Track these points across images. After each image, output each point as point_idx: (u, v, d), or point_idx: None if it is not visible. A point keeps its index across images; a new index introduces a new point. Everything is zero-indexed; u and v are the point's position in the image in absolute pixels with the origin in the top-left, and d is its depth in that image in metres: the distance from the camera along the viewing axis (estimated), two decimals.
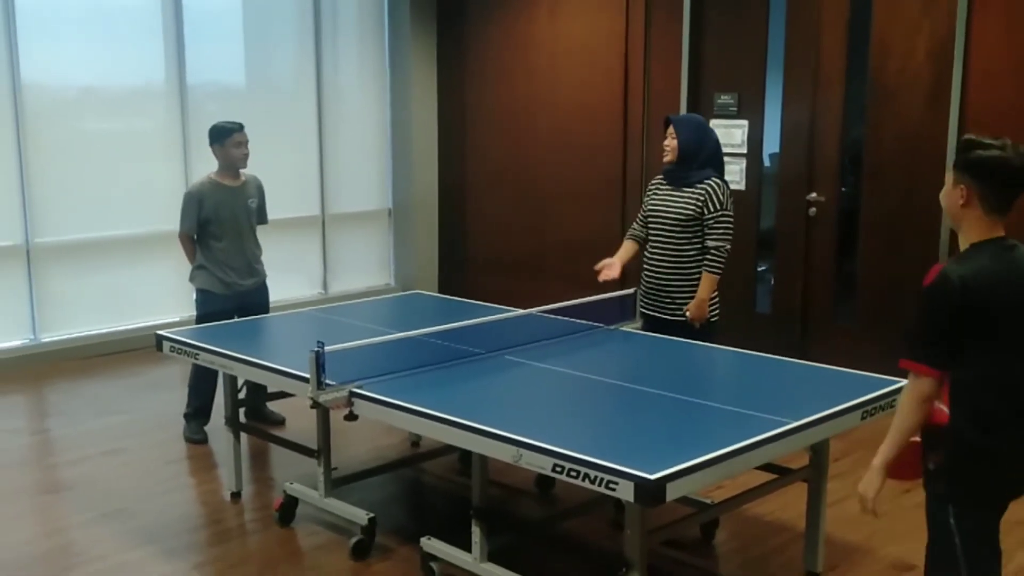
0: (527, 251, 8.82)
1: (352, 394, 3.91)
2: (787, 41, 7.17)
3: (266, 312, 5.83)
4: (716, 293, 4.94)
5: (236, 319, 5.57)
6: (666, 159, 4.98)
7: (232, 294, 5.71)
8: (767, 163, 7.65)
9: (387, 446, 5.70)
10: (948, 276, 2.80)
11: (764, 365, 4.49)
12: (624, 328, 5.01)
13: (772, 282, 7.51)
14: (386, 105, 9.37)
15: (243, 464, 5.12)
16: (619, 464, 3.09)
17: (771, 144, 7.47)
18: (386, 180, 9.48)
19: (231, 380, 4.90)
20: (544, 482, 5.05)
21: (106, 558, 4.35)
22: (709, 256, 4.84)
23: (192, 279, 5.78)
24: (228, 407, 4.98)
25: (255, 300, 5.81)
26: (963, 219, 2.91)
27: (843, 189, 7.10)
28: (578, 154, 8.35)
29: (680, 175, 4.94)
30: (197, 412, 5.80)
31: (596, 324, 5.01)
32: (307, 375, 3.94)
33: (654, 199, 5.03)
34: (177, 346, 4.85)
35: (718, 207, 4.85)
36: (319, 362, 3.89)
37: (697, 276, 4.89)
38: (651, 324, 5.01)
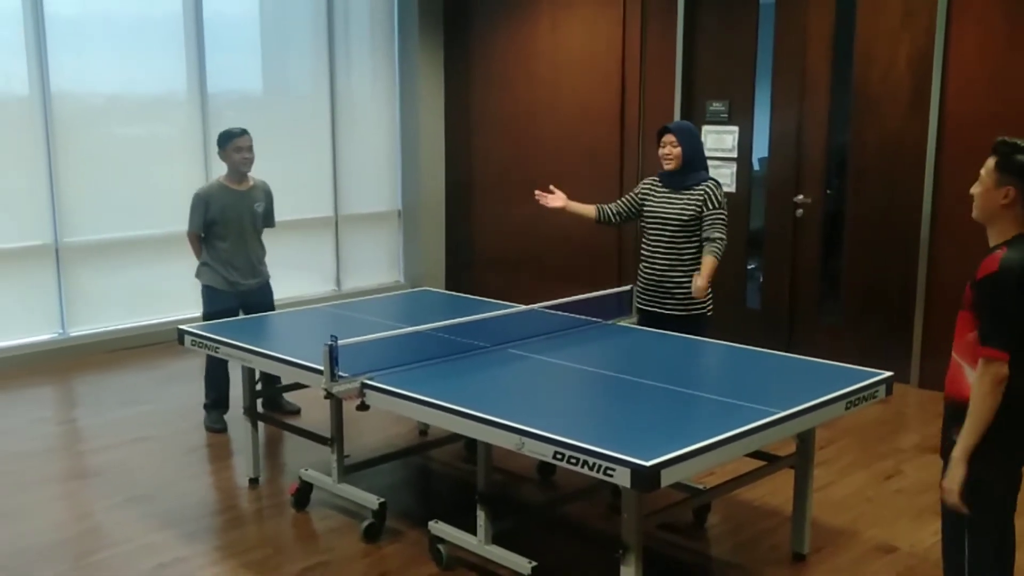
0: (529, 249, 8.82)
1: (364, 385, 3.91)
2: (775, 52, 7.17)
3: (271, 310, 5.81)
4: (711, 291, 4.94)
5: (250, 315, 5.57)
6: (669, 167, 4.94)
7: (235, 292, 5.70)
8: (756, 167, 7.65)
9: (396, 435, 5.70)
10: (1012, 266, 2.80)
11: (753, 358, 4.48)
12: (621, 323, 5.01)
13: (761, 280, 7.51)
14: (396, 111, 9.36)
15: (260, 452, 5.13)
16: (616, 452, 3.09)
17: (760, 149, 7.47)
18: (396, 182, 9.47)
19: (249, 372, 4.91)
20: (545, 469, 5.05)
21: (131, 540, 4.35)
22: (712, 244, 4.83)
23: (198, 275, 5.77)
24: (246, 398, 4.99)
25: (258, 299, 5.79)
26: (1001, 218, 2.91)
27: (828, 192, 7.09)
28: (578, 157, 8.35)
29: (680, 180, 4.93)
30: (215, 403, 5.80)
31: (594, 319, 5.01)
32: (321, 367, 3.94)
33: (651, 201, 5.02)
34: (198, 340, 4.85)
35: (716, 204, 4.86)
36: (332, 355, 3.90)
37: (692, 272, 4.88)
38: (649, 319, 5.01)
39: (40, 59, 7.14)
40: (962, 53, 6.27)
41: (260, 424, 5.08)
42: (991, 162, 2.91)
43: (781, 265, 7.24)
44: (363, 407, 3.94)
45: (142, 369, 7.18)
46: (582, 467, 3.15)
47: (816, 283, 7.17)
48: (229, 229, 5.66)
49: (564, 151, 8.45)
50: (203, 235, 5.69)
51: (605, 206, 5.23)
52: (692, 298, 4.89)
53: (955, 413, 2.94)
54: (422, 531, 4.24)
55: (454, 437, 5.03)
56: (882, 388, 3.96)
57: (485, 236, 9.24)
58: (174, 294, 7.91)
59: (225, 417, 5.80)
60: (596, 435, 3.26)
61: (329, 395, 3.95)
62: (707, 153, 7.37)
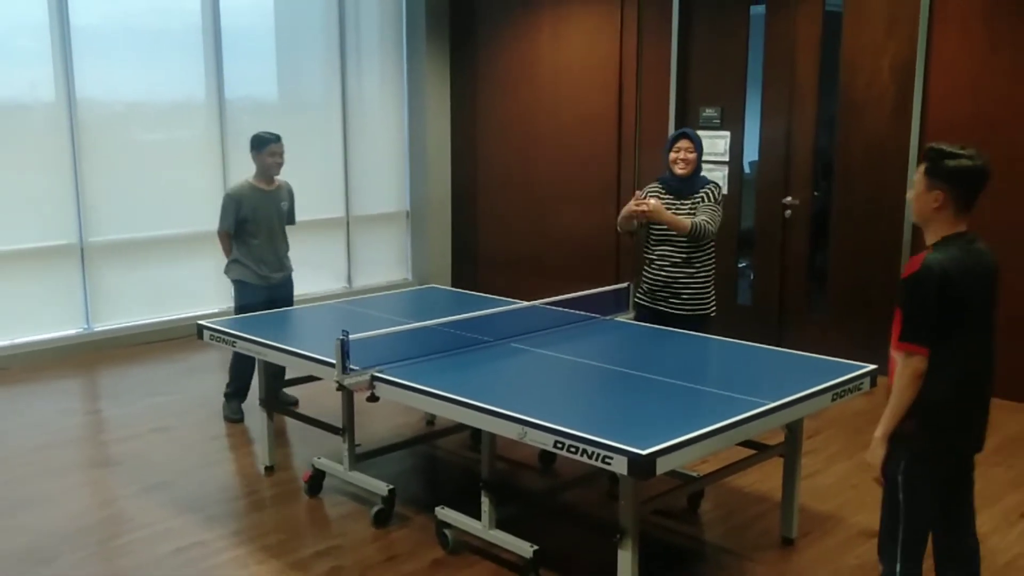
0: (531, 248, 8.81)
1: (374, 378, 3.91)
2: (765, 60, 7.16)
3: (291, 303, 5.82)
4: (713, 292, 4.92)
5: (268, 310, 5.57)
6: (681, 172, 4.85)
7: (265, 285, 5.73)
8: (747, 170, 7.65)
9: (405, 424, 5.70)
10: (931, 266, 2.85)
11: (745, 352, 4.48)
12: (618, 318, 5.00)
13: (752, 277, 7.50)
14: (404, 117, 9.35)
15: (275, 441, 5.13)
16: (614, 441, 3.09)
17: (751, 152, 7.46)
18: (404, 185, 9.46)
19: (266, 365, 4.91)
20: (546, 457, 5.05)
21: (153, 525, 4.36)
22: (696, 218, 4.72)
23: (227, 272, 5.78)
24: (263, 390, 4.99)
25: (282, 293, 5.82)
26: (934, 220, 2.96)
27: (816, 193, 7.08)
28: (577, 161, 8.34)
29: (688, 186, 4.88)
30: (236, 393, 5.80)
31: (593, 315, 5.00)
32: (333, 361, 3.94)
33: None
34: (216, 334, 4.85)
35: (712, 200, 4.84)
36: (344, 349, 3.90)
37: (702, 274, 4.87)
38: (653, 317, 4.94)
39: (66, 67, 7.14)
40: (943, 62, 6.26)
41: (275, 415, 5.09)
42: (921, 168, 2.97)
43: (771, 263, 7.23)
44: (373, 398, 3.95)
45: (163, 362, 7.19)
46: (581, 455, 3.15)
47: (804, 280, 7.16)
48: (259, 227, 5.69)
49: (564, 155, 8.45)
50: (232, 233, 5.70)
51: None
52: (698, 299, 4.88)
53: None
54: (429, 516, 4.25)
55: (459, 427, 5.02)
56: (867, 380, 3.97)
57: (489, 236, 9.24)
58: (193, 290, 7.93)
59: (243, 407, 5.80)
60: (594, 425, 3.25)
61: (341, 387, 3.95)
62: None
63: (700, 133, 7.38)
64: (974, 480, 3.18)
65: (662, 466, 3.05)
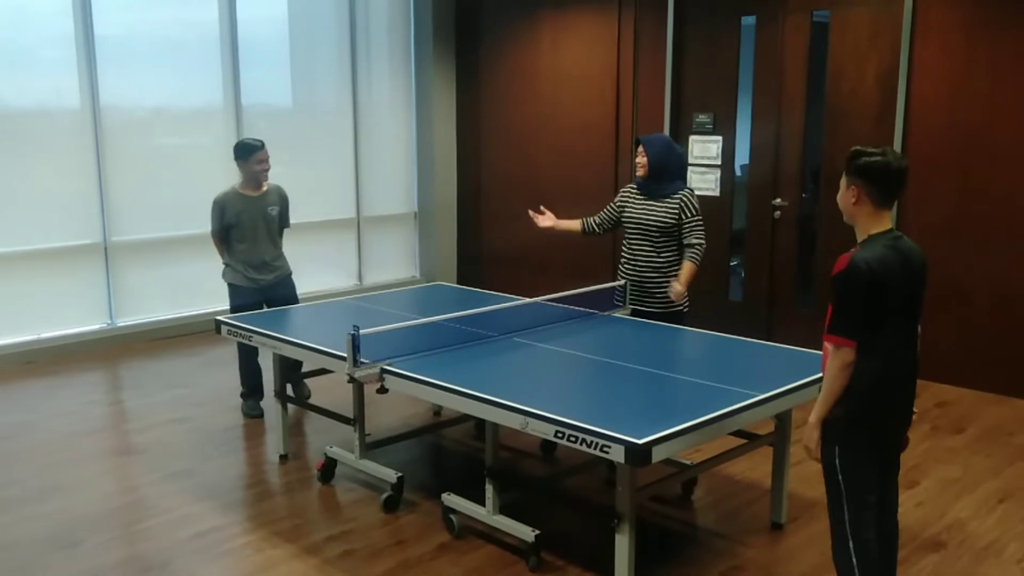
0: (533, 248, 8.80)
1: (383, 371, 3.91)
2: (755, 69, 7.14)
3: (293, 302, 5.76)
4: (687, 293, 4.94)
5: (275, 308, 5.56)
6: (639, 174, 4.89)
7: (257, 288, 5.65)
8: (738, 173, 7.63)
9: (413, 415, 5.69)
10: (857, 264, 2.89)
11: (736, 346, 4.47)
12: (615, 314, 4.99)
13: (743, 275, 7.49)
14: (412, 123, 9.34)
15: (289, 431, 5.13)
16: (612, 431, 3.09)
17: (742, 156, 7.45)
18: (412, 187, 9.45)
19: (279, 359, 4.90)
20: (547, 446, 5.05)
21: (172, 511, 4.36)
22: (691, 250, 4.81)
23: (223, 275, 5.73)
24: (277, 382, 4.98)
25: (280, 293, 5.73)
26: (857, 215, 3.03)
27: (804, 195, 7.06)
28: (577, 164, 8.33)
29: (654, 188, 4.87)
30: (251, 391, 5.78)
31: (592, 311, 4.99)
32: (345, 354, 3.94)
33: (630, 208, 4.96)
34: (233, 329, 4.85)
35: (693, 212, 4.83)
36: (355, 343, 3.89)
37: (671, 272, 4.86)
38: (632, 315, 4.97)
39: (90, 75, 7.13)
40: (925, 70, 6.25)
41: (289, 406, 5.08)
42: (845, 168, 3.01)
43: (761, 261, 7.22)
44: (383, 390, 3.94)
45: (182, 356, 7.19)
46: (581, 445, 3.14)
47: (793, 277, 7.14)
48: (244, 232, 5.62)
49: (564, 159, 8.44)
50: (223, 237, 5.66)
51: (589, 219, 5.17)
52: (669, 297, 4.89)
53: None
54: (436, 502, 4.25)
55: (465, 417, 5.01)
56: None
57: (492, 236, 9.23)
58: (211, 288, 7.86)
59: (262, 404, 5.78)
60: (593, 415, 3.25)
61: (352, 379, 3.94)
62: (694, 160, 7.45)
63: (693, 138, 7.45)
64: (899, 465, 3.19)
65: (657, 454, 3.05)
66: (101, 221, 7.33)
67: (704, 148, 7.41)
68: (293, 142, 8.25)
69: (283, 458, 5.01)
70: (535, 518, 3.90)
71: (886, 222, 3.00)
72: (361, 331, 3.91)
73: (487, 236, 9.27)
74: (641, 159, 4.87)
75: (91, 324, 7.38)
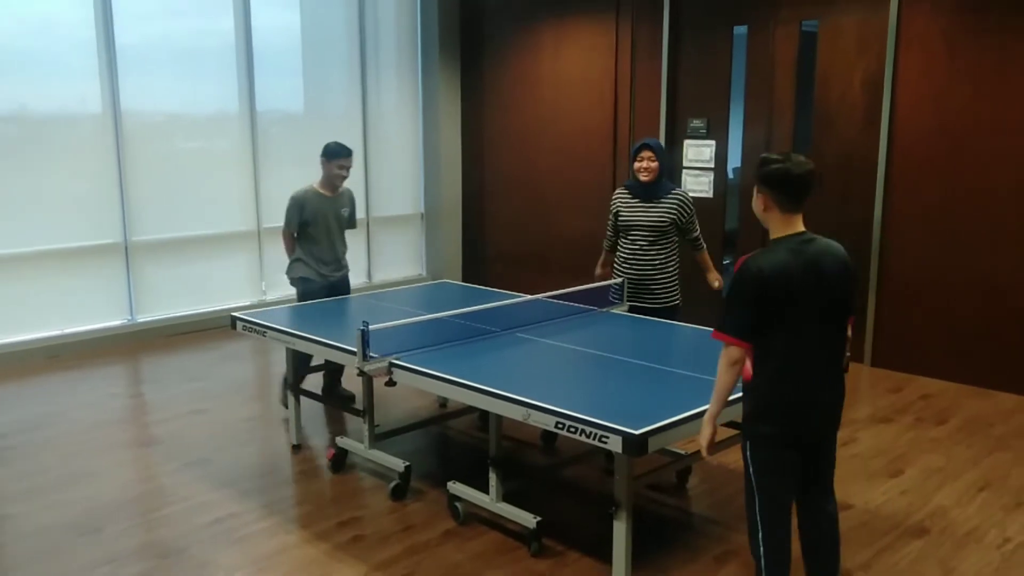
0: (534, 247, 8.80)
1: (392, 364, 3.91)
2: (747, 76, 7.13)
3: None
4: (678, 285, 4.95)
5: (302, 303, 5.55)
6: (645, 179, 4.86)
7: (325, 283, 5.62)
8: (731, 175, 7.62)
9: (420, 407, 5.69)
10: (748, 267, 2.84)
11: None
12: (614, 311, 4.99)
13: None
14: (419, 128, 9.34)
15: (302, 422, 5.13)
16: (610, 422, 3.09)
17: (734, 159, 7.44)
18: (419, 189, 9.45)
19: (293, 354, 4.90)
20: (548, 437, 5.05)
21: (190, 499, 4.36)
22: (699, 242, 4.98)
23: (289, 271, 5.66)
24: (290, 375, 4.98)
25: (340, 290, 5.72)
26: (768, 220, 2.97)
27: None
28: (576, 167, 8.33)
29: (652, 191, 4.88)
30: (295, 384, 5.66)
31: (591, 307, 4.99)
32: (355, 349, 3.94)
33: (626, 211, 4.95)
34: (248, 325, 4.84)
35: (691, 211, 4.90)
36: (364, 338, 3.89)
37: (669, 269, 4.90)
38: (630, 311, 4.98)
39: (112, 82, 7.13)
40: (909, 77, 6.24)
41: (302, 398, 5.08)
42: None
43: None
44: (391, 383, 3.94)
45: (199, 350, 7.19)
46: (580, 435, 3.14)
47: None
48: (319, 230, 5.57)
49: (564, 162, 8.43)
50: (296, 234, 5.60)
51: (605, 242, 5.17)
52: (668, 292, 4.93)
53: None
54: (442, 491, 4.25)
55: (469, 409, 5.03)
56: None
57: (496, 235, 9.22)
58: (227, 285, 7.93)
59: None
60: (592, 407, 3.25)
61: (361, 373, 3.94)
62: (688, 164, 7.46)
63: (687, 142, 7.44)
64: (833, 459, 3.11)
65: (654, 444, 3.05)
66: (122, 221, 7.33)
67: (698, 152, 7.40)
68: (305, 146, 8.20)
69: (296, 448, 5.01)
70: (536, 505, 3.90)
71: (797, 225, 2.93)
72: (370, 327, 3.91)
73: (491, 236, 9.27)
74: (650, 164, 4.84)
75: (112, 320, 7.38)
